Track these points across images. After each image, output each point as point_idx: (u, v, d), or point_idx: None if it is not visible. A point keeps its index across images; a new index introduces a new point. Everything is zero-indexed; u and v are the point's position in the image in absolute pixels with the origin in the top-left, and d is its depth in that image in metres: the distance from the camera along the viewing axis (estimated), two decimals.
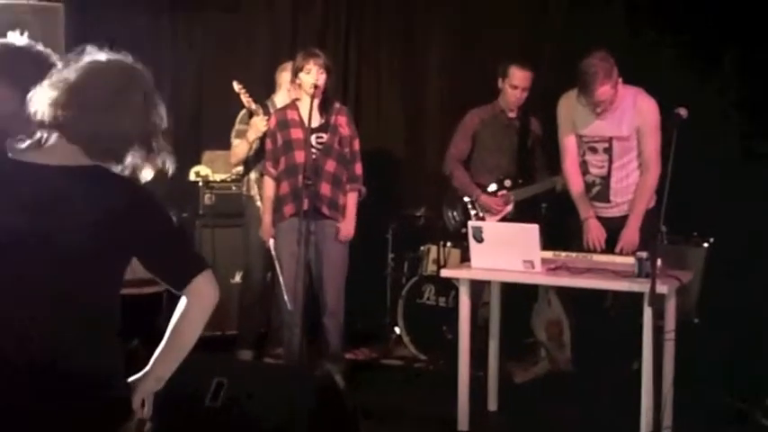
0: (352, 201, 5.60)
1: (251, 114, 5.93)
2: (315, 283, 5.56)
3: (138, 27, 7.18)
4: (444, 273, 5.22)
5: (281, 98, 6.07)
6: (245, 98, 5.89)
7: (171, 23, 7.34)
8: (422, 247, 6.71)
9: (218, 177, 6.73)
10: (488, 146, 6.29)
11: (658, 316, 4.41)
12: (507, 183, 6.25)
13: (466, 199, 6.30)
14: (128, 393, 2.65)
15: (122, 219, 2.51)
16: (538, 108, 6.19)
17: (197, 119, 7.35)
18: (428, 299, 6.35)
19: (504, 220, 6.16)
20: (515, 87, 6.13)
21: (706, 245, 5.66)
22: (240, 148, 6.00)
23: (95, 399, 2.53)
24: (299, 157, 5.41)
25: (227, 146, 6.18)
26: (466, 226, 4.93)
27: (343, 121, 5.57)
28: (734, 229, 5.77)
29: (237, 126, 6.08)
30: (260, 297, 6.17)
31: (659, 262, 4.37)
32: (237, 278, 6.40)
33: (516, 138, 6.28)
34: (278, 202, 5.54)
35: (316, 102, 5.44)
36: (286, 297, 5.42)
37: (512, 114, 6.27)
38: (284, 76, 6.05)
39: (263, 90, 6.21)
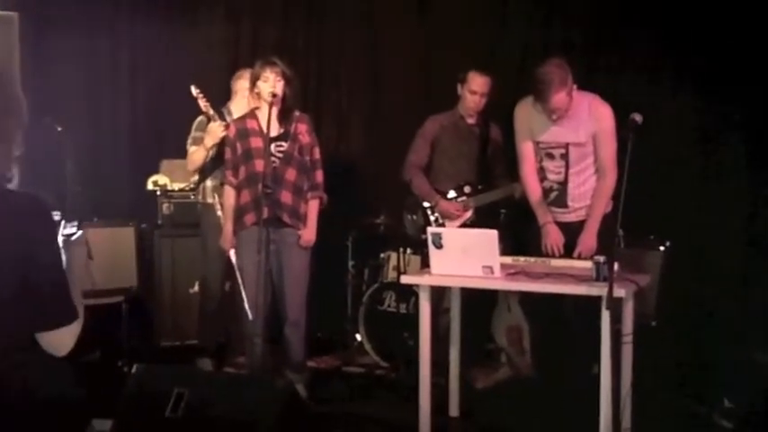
0: (313, 208, 5.61)
1: (208, 121, 5.92)
2: (276, 292, 5.55)
3: (94, 36, 7.17)
4: (404, 279, 5.23)
5: (237, 106, 6.07)
6: (202, 103, 5.87)
7: (128, 33, 7.31)
8: (382, 255, 6.73)
9: (176, 186, 6.71)
10: (448, 152, 6.33)
11: (616, 319, 4.43)
12: (467, 189, 6.29)
13: (426, 205, 6.34)
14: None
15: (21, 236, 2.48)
16: (498, 115, 6.23)
17: (155, 128, 7.33)
18: (389, 306, 6.37)
19: (463, 226, 6.20)
20: (474, 93, 6.17)
21: (662, 248, 5.72)
22: (197, 154, 5.99)
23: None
24: (259, 165, 5.41)
25: (185, 155, 6.15)
26: (426, 232, 4.95)
27: (303, 129, 5.57)
28: (690, 232, 5.85)
29: (194, 133, 6.07)
30: (219, 306, 6.16)
31: (616, 266, 4.40)
32: (197, 287, 6.38)
33: (476, 144, 6.32)
34: (238, 212, 5.53)
35: (275, 110, 5.45)
36: (247, 306, 5.42)
37: (471, 121, 6.31)
38: (240, 83, 6.07)
39: (222, 98, 6.20)
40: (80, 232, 2.80)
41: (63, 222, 2.82)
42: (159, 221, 6.65)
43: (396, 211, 6.63)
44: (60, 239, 2.75)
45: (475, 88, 6.16)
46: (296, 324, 5.58)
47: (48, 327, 2.54)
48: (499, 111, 6.17)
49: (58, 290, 2.56)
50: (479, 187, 6.28)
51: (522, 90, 5.41)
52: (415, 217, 6.41)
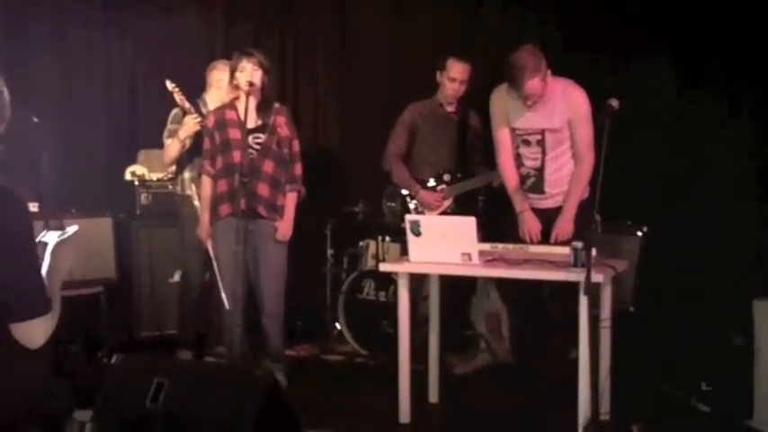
0: (291, 201, 5.60)
1: (184, 113, 5.91)
2: (252, 284, 5.55)
3: (69, 26, 7.13)
4: (383, 267, 5.25)
5: (212, 97, 6.08)
6: (178, 97, 5.87)
7: (103, 20, 7.27)
8: (361, 243, 6.74)
9: (154, 176, 6.69)
10: (427, 140, 6.34)
11: (594, 305, 4.46)
12: (446, 177, 6.30)
13: (405, 192, 6.35)
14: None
15: None
16: (477, 103, 6.24)
17: (132, 117, 7.30)
18: (368, 294, 6.38)
19: (443, 214, 6.21)
20: (453, 80, 6.17)
21: (640, 233, 5.75)
22: (172, 147, 5.98)
23: None
24: (236, 156, 5.40)
25: (163, 145, 6.13)
26: (404, 220, 4.96)
27: (282, 122, 5.56)
28: (667, 217, 5.88)
29: (169, 126, 6.05)
30: (199, 296, 6.15)
31: (594, 251, 4.43)
32: (176, 277, 6.37)
33: (455, 132, 6.33)
34: (214, 202, 5.52)
35: (253, 101, 5.44)
36: (224, 296, 5.42)
37: (450, 108, 6.32)
38: (214, 74, 6.08)
39: (198, 89, 6.19)
40: (75, 227, 2.79)
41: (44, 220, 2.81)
42: (137, 212, 6.63)
43: (374, 199, 6.64)
44: (52, 235, 2.75)
45: (454, 75, 6.17)
46: (273, 315, 5.58)
47: (19, 318, 2.54)
48: (478, 98, 6.18)
49: (31, 282, 2.55)
50: (459, 175, 6.29)
51: (499, 77, 5.41)
52: (394, 205, 6.42)
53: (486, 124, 5.89)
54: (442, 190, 6.28)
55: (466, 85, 6.20)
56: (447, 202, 6.29)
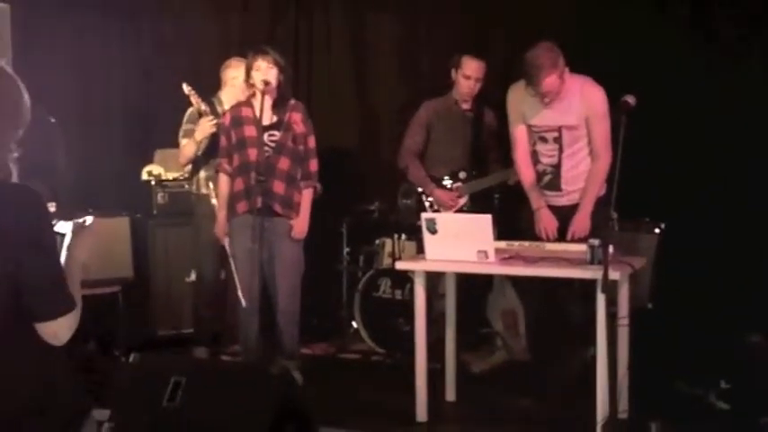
0: (306, 198, 5.60)
1: (200, 114, 5.92)
2: (268, 282, 5.55)
3: (85, 27, 7.15)
4: (399, 265, 5.25)
5: (227, 95, 6.10)
6: (194, 100, 5.89)
7: (119, 21, 7.30)
8: (377, 241, 6.74)
9: (170, 176, 6.71)
10: (442, 138, 6.33)
11: (612, 303, 4.44)
12: (462, 175, 6.29)
13: (420, 190, 6.34)
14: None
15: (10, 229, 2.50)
16: (493, 99, 6.23)
17: (148, 117, 7.32)
18: (384, 292, 6.38)
19: (459, 211, 6.21)
20: (468, 78, 6.17)
21: (657, 231, 5.73)
22: (188, 147, 6.00)
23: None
24: (252, 154, 5.41)
25: (179, 145, 6.15)
26: (419, 218, 4.95)
27: (297, 118, 5.57)
28: (685, 214, 5.85)
29: (185, 125, 6.07)
30: (214, 295, 6.16)
31: (611, 249, 4.40)
32: (192, 276, 6.38)
33: (470, 129, 6.32)
34: (231, 200, 5.53)
35: (268, 99, 5.45)
36: (240, 294, 5.43)
37: (465, 106, 6.31)
38: (229, 72, 6.11)
39: (213, 87, 6.20)
40: (91, 218, 2.79)
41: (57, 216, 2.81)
42: (154, 211, 6.65)
43: (390, 197, 6.64)
44: (70, 225, 2.75)
45: (469, 73, 6.16)
46: (288, 313, 5.58)
47: (45, 317, 2.55)
48: (494, 95, 6.16)
49: (54, 280, 2.56)
50: (474, 173, 6.29)
51: (515, 73, 5.40)
52: (409, 202, 6.41)
53: (501, 121, 5.89)
54: (457, 188, 6.28)
55: (481, 82, 6.20)
56: (462, 201, 6.28)
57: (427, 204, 6.29)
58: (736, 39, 6.03)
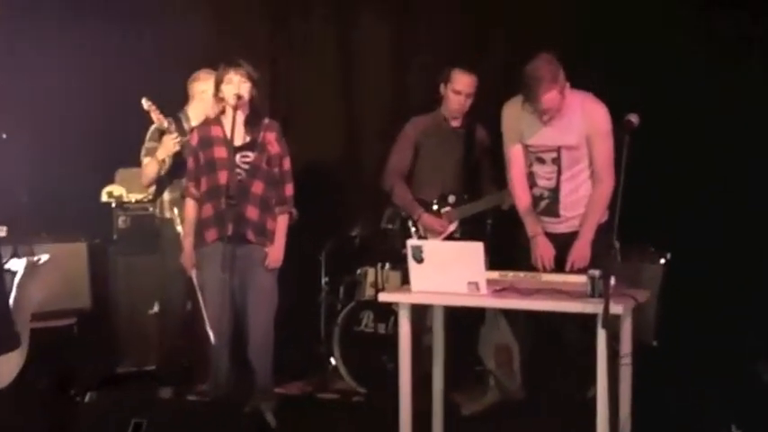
0: (281, 225, 5.61)
1: (162, 131, 5.93)
2: (239, 315, 5.54)
3: (40, 35, 7.14)
4: (382, 297, 5.22)
5: (194, 110, 6.11)
6: (155, 116, 5.89)
7: (77, 28, 7.28)
8: (358, 270, 6.73)
9: (133, 198, 6.70)
10: (431, 158, 6.35)
11: (614, 339, 4.45)
12: (451, 199, 6.31)
13: (406, 215, 6.35)
14: None
15: None
16: (484, 116, 6.24)
17: (109, 132, 7.28)
18: (366, 326, 6.36)
19: (448, 239, 6.22)
20: (458, 93, 6.19)
21: (663, 261, 5.74)
22: (150, 167, 6.01)
23: None
24: (223, 177, 5.41)
25: (140, 164, 6.15)
26: (404, 246, 4.95)
27: (272, 138, 5.56)
28: (693, 243, 5.86)
29: (147, 143, 6.09)
30: (180, 329, 6.15)
31: (613, 280, 4.40)
32: (156, 308, 6.37)
33: (461, 149, 6.34)
34: (199, 227, 5.53)
35: (240, 116, 5.46)
36: (209, 330, 5.41)
37: (455, 123, 6.34)
38: (197, 85, 6.12)
39: (179, 102, 6.20)
40: (46, 256, 2.79)
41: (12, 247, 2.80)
42: (114, 236, 6.63)
43: (373, 222, 6.64)
44: (23, 263, 2.74)
45: (459, 88, 6.19)
46: (261, 348, 5.58)
47: None
48: (486, 111, 6.18)
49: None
50: (465, 197, 6.30)
51: (509, 89, 5.42)
52: (394, 228, 6.42)
53: (494, 140, 5.90)
54: (446, 213, 6.29)
55: (472, 98, 6.23)
56: (452, 226, 6.30)
57: (413, 230, 6.30)
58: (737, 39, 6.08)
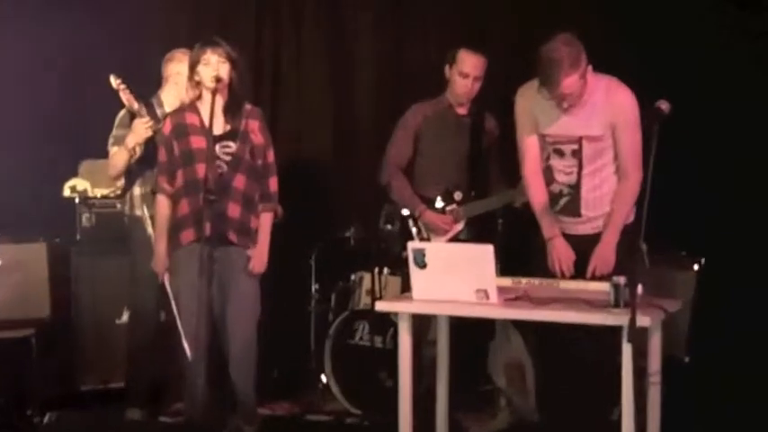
0: (265, 224, 5.60)
1: (133, 116, 5.91)
2: (218, 325, 5.53)
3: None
4: (380, 306, 5.21)
5: (169, 94, 6.12)
6: (124, 96, 5.86)
7: (41, 16, 7.27)
8: (353, 276, 6.75)
9: (98, 193, 6.70)
10: (434, 150, 6.35)
11: (640, 355, 4.45)
12: (457, 196, 6.31)
13: (405, 213, 6.35)
14: None
15: None
16: (494, 103, 6.25)
17: (72, 120, 7.28)
18: (361, 339, 6.38)
19: (453, 240, 6.23)
20: (466, 76, 6.19)
21: (697, 267, 5.74)
22: (118, 157, 5.99)
23: None
24: (201, 170, 5.38)
25: (108, 153, 6.13)
26: (406, 247, 4.94)
27: (255, 127, 5.56)
28: (730, 246, 5.86)
29: (115, 131, 6.07)
30: (152, 341, 6.14)
31: (640, 288, 4.41)
32: (125, 318, 6.37)
33: (468, 139, 6.35)
34: (174, 226, 5.51)
35: (220, 101, 5.45)
36: (185, 343, 5.41)
37: (462, 111, 6.34)
38: (171, 66, 6.11)
39: (153, 85, 6.20)
40: None
41: None
42: (78, 236, 6.63)
43: (369, 221, 6.65)
44: None
45: (467, 70, 6.19)
46: (243, 363, 5.57)
47: None
48: (496, 98, 6.17)
49: None
50: (472, 193, 6.31)
51: (523, 72, 5.41)
52: (393, 228, 6.42)
53: (505, 130, 5.90)
54: (452, 211, 6.29)
55: (480, 81, 6.23)
56: (458, 226, 6.31)
57: (414, 231, 6.31)
58: None
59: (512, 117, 5.48)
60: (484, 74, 6.22)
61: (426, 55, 6.77)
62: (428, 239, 6.24)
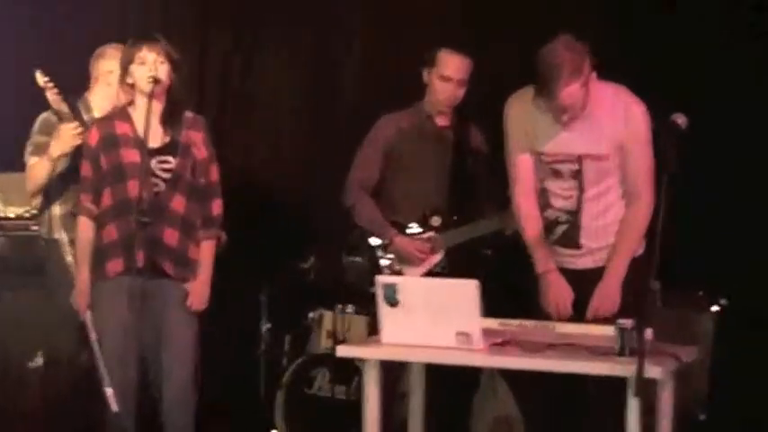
0: (207, 253, 5.59)
1: (60, 119, 5.85)
2: (150, 371, 5.51)
3: None
4: (343, 350, 5.19)
5: (98, 97, 6.08)
6: (51, 96, 5.80)
7: None
8: (311, 314, 6.74)
9: (11, 212, 6.67)
10: (409, 167, 6.34)
11: (649, 411, 4.44)
12: (435, 221, 6.29)
13: (374, 242, 6.32)
14: None
15: None
16: (480, 113, 6.24)
17: None
18: (320, 389, 6.39)
19: (430, 273, 6.20)
20: (448, 80, 6.18)
21: (716, 308, 5.75)
22: (39, 168, 5.92)
23: None
24: (134, 189, 5.34)
25: (24, 167, 6.09)
26: (374, 281, 4.91)
27: (197, 139, 5.55)
28: (755, 285, 5.87)
29: (35, 137, 6.02)
30: (70, 389, 6.10)
31: (650, 333, 4.40)
32: (39, 361, 6.32)
33: (449, 155, 6.35)
34: (99, 254, 5.47)
35: (157, 108, 5.41)
36: (109, 392, 5.36)
37: (442, 122, 6.33)
38: (102, 64, 6.07)
39: (78, 88, 6.16)
40: None
41: None
42: None
43: (331, 251, 6.66)
44: None
45: (448, 73, 6.18)
46: (179, 416, 5.53)
47: None
48: (482, 108, 6.17)
49: None
50: (454, 218, 6.30)
51: (515, 78, 5.39)
52: (358, 260, 6.40)
53: (493, 145, 5.89)
54: (429, 238, 6.26)
55: (465, 87, 6.22)
56: (437, 257, 6.29)
57: (385, 263, 6.27)
58: None
59: (501, 130, 5.47)
60: (468, 78, 6.21)
61: (405, 57, 6.75)
62: (401, 272, 6.22)
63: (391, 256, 6.29)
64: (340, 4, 7.35)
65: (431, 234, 6.28)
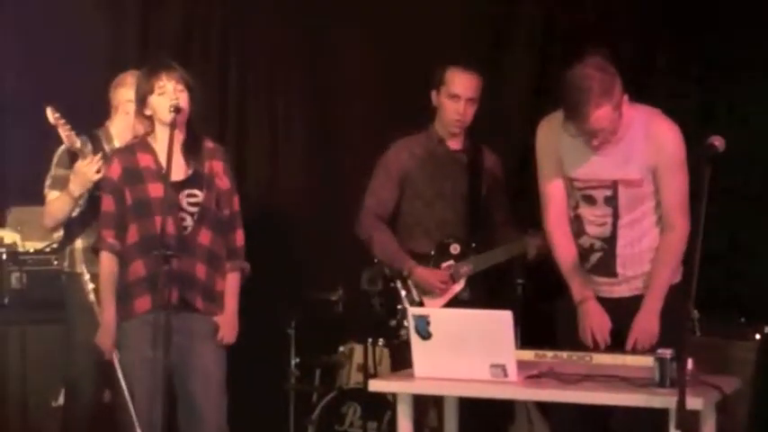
0: (233, 285, 5.56)
1: (75, 154, 5.87)
2: (181, 407, 5.47)
3: None
4: (375, 385, 5.21)
5: (119, 127, 6.10)
6: (63, 132, 5.79)
7: None
8: (341, 348, 6.77)
9: (31, 247, 6.69)
10: (424, 194, 6.34)
11: None
12: (454, 249, 6.28)
13: (391, 273, 6.31)
14: None
15: None
16: (493, 136, 6.25)
17: None
18: (352, 425, 6.41)
19: (452, 304, 6.19)
20: (457, 98, 6.17)
21: (759, 336, 5.75)
22: (59, 204, 5.95)
23: None
24: (160, 224, 5.27)
25: (43, 200, 6.12)
26: (396, 314, 4.94)
27: (219, 169, 5.53)
28: None
29: (54, 171, 6.05)
30: (94, 428, 6.11)
31: (690, 363, 4.41)
32: (61, 400, 6.34)
33: (465, 179, 6.34)
34: (125, 292, 5.44)
35: (179, 138, 5.40)
36: (138, 429, 5.36)
37: (455, 145, 6.33)
38: (122, 93, 6.06)
39: (98, 118, 6.21)
40: None
41: None
42: (5, 299, 6.63)
43: (359, 282, 6.60)
44: None
45: (457, 91, 6.17)
46: None
47: None
48: (496, 128, 6.17)
49: None
50: (473, 245, 6.30)
51: (540, 103, 5.42)
52: (377, 290, 6.32)
53: (508, 169, 5.90)
54: (448, 267, 6.28)
55: (475, 105, 6.21)
56: (458, 287, 6.27)
57: (404, 294, 6.25)
58: None
59: (514, 152, 5.49)
60: (478, 95, 6.22)
61: (421, 81, 6.79)
62: (421, 303, 6.20)
63: (411, 286, 6.29)
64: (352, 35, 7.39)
65: (450, 262, 6.28)
